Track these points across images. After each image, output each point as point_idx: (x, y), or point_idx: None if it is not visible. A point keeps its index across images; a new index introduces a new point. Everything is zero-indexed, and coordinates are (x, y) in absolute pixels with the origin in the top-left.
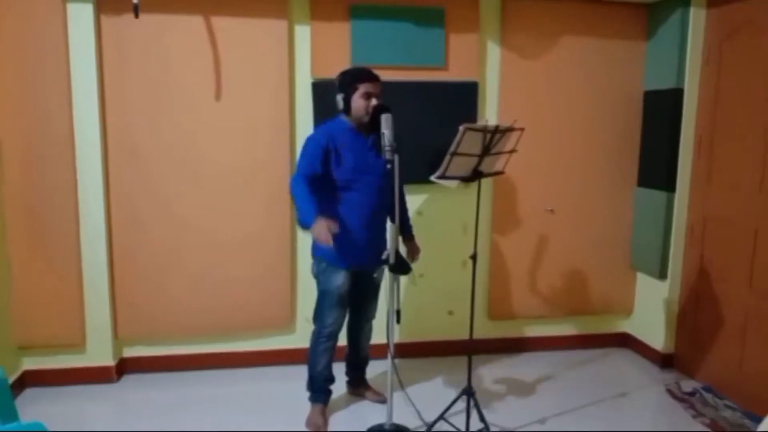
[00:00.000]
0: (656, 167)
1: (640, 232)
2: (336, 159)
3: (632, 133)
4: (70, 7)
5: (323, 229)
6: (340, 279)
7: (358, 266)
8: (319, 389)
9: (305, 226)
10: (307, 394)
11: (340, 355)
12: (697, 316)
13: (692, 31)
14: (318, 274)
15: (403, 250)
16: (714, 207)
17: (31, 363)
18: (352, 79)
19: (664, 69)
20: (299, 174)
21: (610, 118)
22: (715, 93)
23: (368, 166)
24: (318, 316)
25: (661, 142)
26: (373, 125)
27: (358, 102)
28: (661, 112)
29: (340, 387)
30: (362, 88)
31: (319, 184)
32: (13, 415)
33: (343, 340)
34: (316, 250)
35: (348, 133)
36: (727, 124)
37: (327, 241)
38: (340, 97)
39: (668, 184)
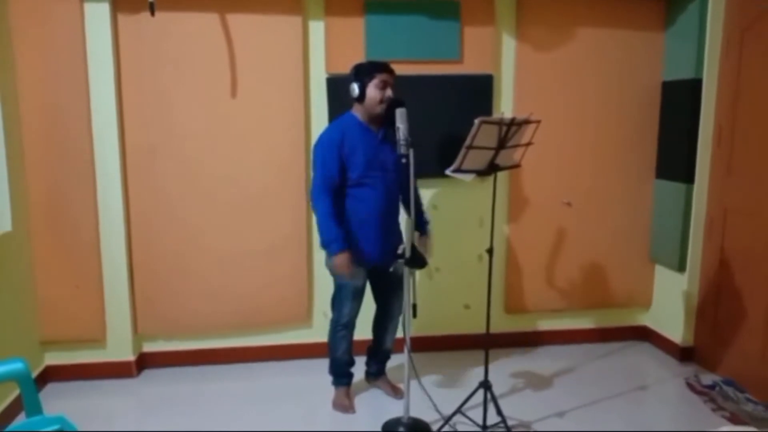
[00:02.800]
0: (675, 159)
1: (658, 225)
2: (348, 157)
3: (650, 124)
4: (87, 7)
5: (344, 266)
6: (354, 274)
7: (371, 263)
8: (341, 373)
9: (328, 252)
10: (330, 379)
11: (362, 348)
12: (716, 308)
13: (711, 19)
14: (332, 268)
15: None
16: (734, 198)
17: (54, 358)
18: (369, 68)
19: (683, 59)
20: (320, 189)
21: (627, 109)
22: (735, 82)
23: (379, 161)
24: (335, 306)
25: (680, 134)
26: (386, 119)
27: (373, 91)
28: (679, 103)
29: (357, 375)
30: (379, 78)
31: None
32: (37, 409)
33: (367, 333)
34: None
35: (358, 128)
36: (748, 113)
37: (342, 273)
38: (355, 86)
39: (687, 176)
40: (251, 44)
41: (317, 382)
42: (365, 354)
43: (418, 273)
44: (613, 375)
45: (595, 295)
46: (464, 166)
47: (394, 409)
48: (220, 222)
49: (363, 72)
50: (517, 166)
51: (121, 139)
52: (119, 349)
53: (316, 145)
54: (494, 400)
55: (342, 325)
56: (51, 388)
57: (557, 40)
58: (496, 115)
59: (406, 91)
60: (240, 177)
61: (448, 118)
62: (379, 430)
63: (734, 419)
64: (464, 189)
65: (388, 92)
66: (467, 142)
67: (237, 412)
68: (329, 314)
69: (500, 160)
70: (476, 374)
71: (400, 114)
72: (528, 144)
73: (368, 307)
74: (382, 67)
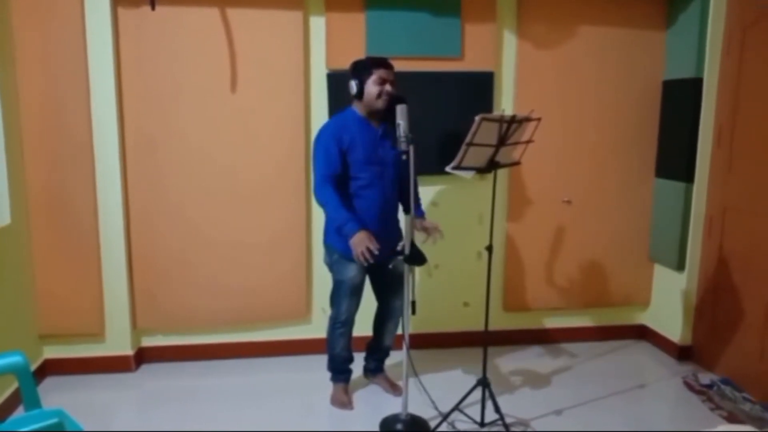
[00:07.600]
0: (675, 158)
1: (658, 224)
2: (348, 151)
3: (650, 123)
4: (87, 1)
5: (363, 244)
6: (352, 271)
7: (369, 259)
8: (340, 369)
9: (345, 235)
10: (328, 376)
11: (361, 344)
12: (715, 307)
13: (713, 17)
14: (331, 264)
15: (420, 238)
16: (734, 197)
17: (52, 352)
18: (367, 64)
19: (684, 58)
20: (322, 179)
21: (628, 108)
22: (736, 81)
23: (379, 157)
24: (333, 303)
25: (680, 133)
26: (387, 115)
27: (371, 87)
28: (680, 102)
29: (356, 371)
30: (376, 74)
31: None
32: (35, 402)
33: (367, 329)
34: (328, 239)
35: (358, 123)
36: (748, 112)
37: (363, 256)
38: (354, 83)
39: (687, 175)
40: (251, 39)
41: (315, 378)
42: (364, 350)
43: (417, 270)
44: (611, 374)
45: (594, 293)
46: (464, 163)
47: (392, 406)
48: (220, 217)
49: (361, 69)
50: (517, 163)
51: (120, 133)
52: (118, 343)
53: (317, 139)
54: (492, 397)
55: (340, 322)
56: (49, 382)
57: (558, 37)
58: (496, 113)
59: (407, 87)
60: (239, 172)
61: (449, 115)
62: (377, 427)
63: (732, 418)
64: (464, 186)
65: (387, 87)
66: (468, 139)
67: (235, 407)
68: (328, 310)
69: (500, 158)
70: (474, 372)
71: (401, 110)
72: (528, 141)
73: (370, 303)
74: (379, 63)
